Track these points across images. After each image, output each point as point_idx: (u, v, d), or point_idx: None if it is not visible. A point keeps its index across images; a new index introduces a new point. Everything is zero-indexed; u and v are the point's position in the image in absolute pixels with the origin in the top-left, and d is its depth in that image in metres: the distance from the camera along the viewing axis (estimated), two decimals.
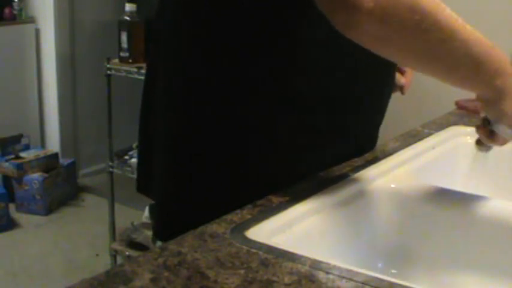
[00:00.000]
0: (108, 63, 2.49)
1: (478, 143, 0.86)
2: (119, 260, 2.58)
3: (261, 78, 0.77)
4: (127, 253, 2.49)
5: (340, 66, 0.81)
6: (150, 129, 0.90)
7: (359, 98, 0.86)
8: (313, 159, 0.83)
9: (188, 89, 0.81)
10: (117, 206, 2.66)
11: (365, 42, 0.69)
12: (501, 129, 0.80)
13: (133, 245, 2.49)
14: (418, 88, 1.27)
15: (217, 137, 0.79)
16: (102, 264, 2.60)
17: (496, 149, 0.86)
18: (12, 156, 3.25)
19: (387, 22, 0.66)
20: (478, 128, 0.84)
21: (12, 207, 3.14)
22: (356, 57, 0.81)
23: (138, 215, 2.66)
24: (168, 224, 0.85)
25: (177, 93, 0.83)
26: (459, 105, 1.26)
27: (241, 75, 0.77)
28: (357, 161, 0.89)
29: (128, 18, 2.46)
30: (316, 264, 0.59)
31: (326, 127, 0.83)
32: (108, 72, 2.48)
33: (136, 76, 2.40)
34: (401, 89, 1.02)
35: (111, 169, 2.58)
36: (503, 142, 0.83)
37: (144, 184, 0.93)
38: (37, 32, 3.49)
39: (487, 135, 0.83)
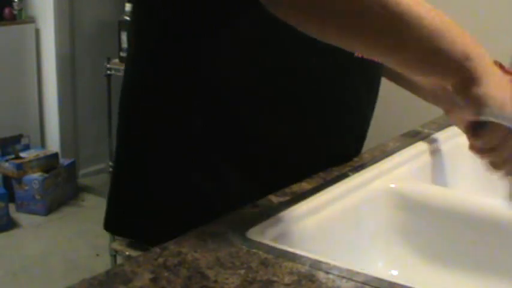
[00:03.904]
0: (108, 63, 2.49)
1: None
2: (119, 260, 2.58)
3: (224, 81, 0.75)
4: (127, 253, 2.49)
5: (305, 69, 0.77)
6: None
7: (331, 104, 0.81)
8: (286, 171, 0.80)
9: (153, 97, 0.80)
10: None
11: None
12: (490, 112, 0.62)
13: (134, 245, 2.49)
14: None
15: (211, 140, 0.78)
16: (102, 264, 2.60)
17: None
18: (12, 156, 3.25)
19: None
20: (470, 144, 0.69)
21: (12, 207, 3.14)
22: (325, 60, 0.75)
23: None
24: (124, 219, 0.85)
25: (137, 99, 0.82)
26: None
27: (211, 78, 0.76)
28: (357, 161, 0.89)
29: (128, 18, 2.47)
30: (316, 264, 0.59)
31: (295, 132, 0.79)
32: (108, 72, 2.48)
33: None
34: None
35: (111, 169, 2.58)
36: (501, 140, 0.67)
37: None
38: (37, 32, 3.49)
39: (475, 143, 0.68)
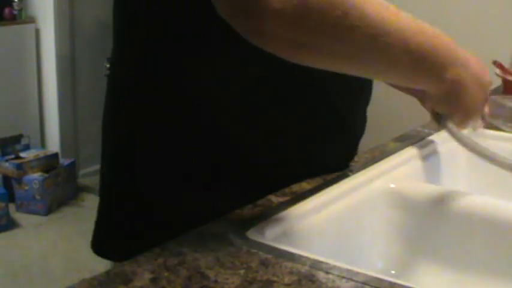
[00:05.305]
0: (108, 63, 2.50)
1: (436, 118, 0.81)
2: None
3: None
4: None
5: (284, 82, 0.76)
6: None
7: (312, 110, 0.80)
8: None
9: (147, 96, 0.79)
10: None
11: (277, 50, 0.59)
12: (449, 127, 0.75)
13: None
14: None
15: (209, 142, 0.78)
16: (102, 264, 2.60)
17: (495, 149, 0.86)
18: (12, 156, 3.25)
19: (301, 23, 0.55)
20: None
21: (12, 207, 3.14)
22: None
23: None
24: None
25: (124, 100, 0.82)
26: None
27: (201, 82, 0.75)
28: (357, 161, 0.89)
29: None
30: (316, 264, 0.58)
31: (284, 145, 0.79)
32: (108, 72, 2.48)
33: None
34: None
35: None
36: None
37: None
38: (37, 32, 3.50)
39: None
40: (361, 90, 0.87)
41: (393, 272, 0.82)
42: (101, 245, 0.87)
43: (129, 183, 0.82)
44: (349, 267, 0.58)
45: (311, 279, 0.56)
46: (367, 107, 0.90)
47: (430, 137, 1.05)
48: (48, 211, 3.22)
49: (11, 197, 3.13)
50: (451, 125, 0.75)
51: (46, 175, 3.22)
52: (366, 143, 0.95)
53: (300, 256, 0.60)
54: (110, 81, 0.86)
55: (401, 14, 0.61)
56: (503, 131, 1.12)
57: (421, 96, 1.02)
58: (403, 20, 0.61)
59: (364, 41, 0.58)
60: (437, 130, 1.09)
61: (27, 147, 3.41)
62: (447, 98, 0.70)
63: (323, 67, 0.64)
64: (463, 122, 0.77)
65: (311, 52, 0.59)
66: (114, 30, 0.84)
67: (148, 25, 0.78)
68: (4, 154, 3.30)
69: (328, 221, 0.75)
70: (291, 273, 0.57)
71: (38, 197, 3.19)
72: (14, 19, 3.38)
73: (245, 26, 0.57)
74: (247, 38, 0.59)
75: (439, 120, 0.78)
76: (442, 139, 1.06)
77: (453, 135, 0.76)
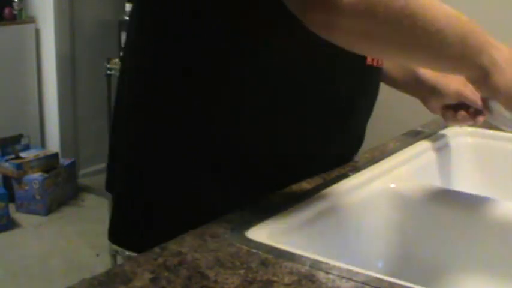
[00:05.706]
0: (108, 63, 2.50)
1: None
2: (119, 260, 2.58)
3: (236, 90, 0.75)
4: (127, 253, 2.49)
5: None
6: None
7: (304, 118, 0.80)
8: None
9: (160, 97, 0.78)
10: None
11: (345, 42, 0.64)
12: (496, 107, 0.77)
13: None
14: None
15: (213, 138, 0.78)
16: (102, 264, 2.60)
17: (495, 149, 0.86)
18: (12, 156, 3.25)
19: (371, 15, 0.59)
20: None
21: (12, 207, 3.14)
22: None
23: None
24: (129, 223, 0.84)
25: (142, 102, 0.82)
26: None
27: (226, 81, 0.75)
28: (357, 161, 0.89)
29: (128, 18, 2.47)
30: (316, 264, 0.58)
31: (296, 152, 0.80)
32: (108, 72, 2.49)
33: None
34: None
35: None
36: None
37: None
38: (37, 32, 3.50)
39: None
40: (363, 91, 0.87)
41: (393, 272, 0.82)
42: (112, 235, 0.88)
43: (129, 183, 0.82)
44: (349, 267, 0.58)
45: (311, 279, 0.56)
46: (372, 107, 0.90)
47: (430, 137, 1.05)
48: (48, 211, 3.22)
49: (11, 197, 3.13)
50: (498, 108, 0.77)
51: (46, 175, 3.22)
52: (366, 143, 0.95)
53: (300, 256, 0.60)
54: (118, 82, 0.87)
55: (445, 6, 0.66)
56: (503, 131, 1.12)
57: (423, 96, 1.02)
58: (449, 12, 0.65)
59: (418, 29, 0.62)
60: (438, 130, 1.09)
61: (27, 147, 3.41)
62: (487, 81, 0.73)
63: (376, 55, 0.71)
64: (509, 103, 0.77)
65: (373, 42, 0.63)
66: (129, 33, 0.84)
67: (148, 25, 0.78)
68: (4, 154, 3.30)
69: (328, 221, 0.75)
70: (291, 273, 0.57)
71: (38, 197, 3.19)
72: (14, 19, 3.38)
73: (318, 20, 0.60)
74: (317, 31, 0.62)
75: (487, 106, 0.80)
76: (442, 139, 1.06)
77: (501, 120, 0.80)
